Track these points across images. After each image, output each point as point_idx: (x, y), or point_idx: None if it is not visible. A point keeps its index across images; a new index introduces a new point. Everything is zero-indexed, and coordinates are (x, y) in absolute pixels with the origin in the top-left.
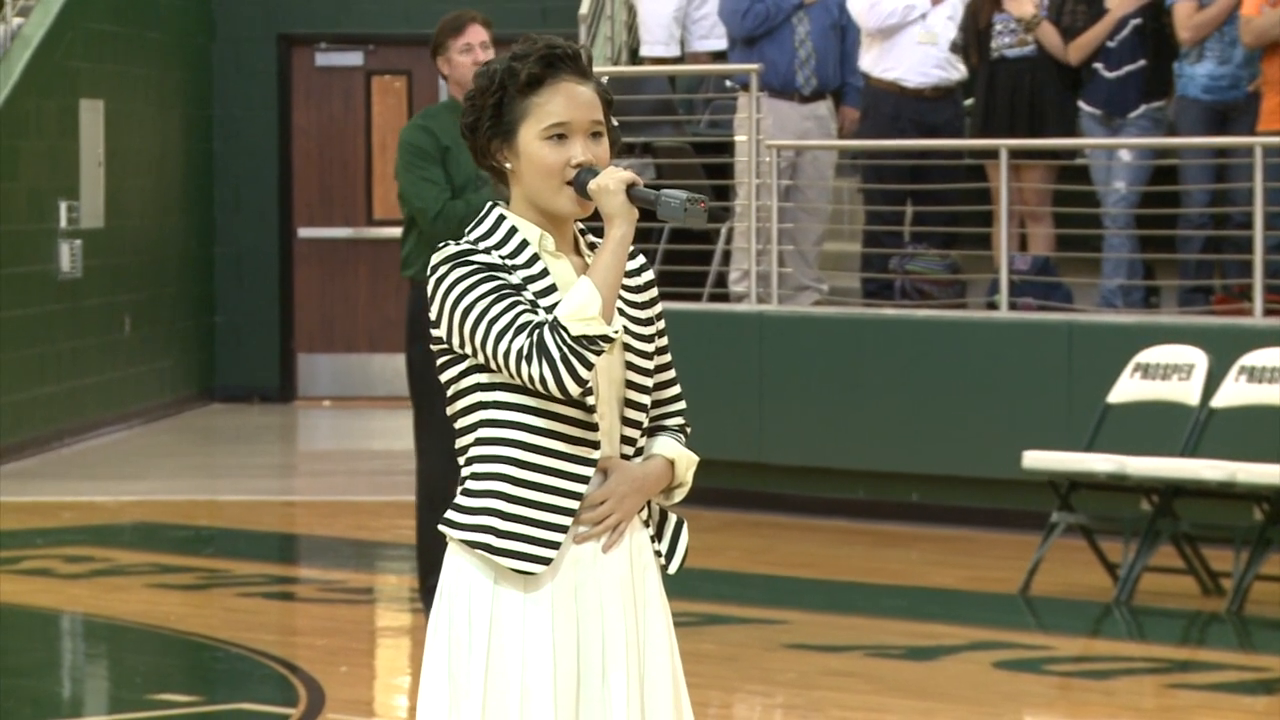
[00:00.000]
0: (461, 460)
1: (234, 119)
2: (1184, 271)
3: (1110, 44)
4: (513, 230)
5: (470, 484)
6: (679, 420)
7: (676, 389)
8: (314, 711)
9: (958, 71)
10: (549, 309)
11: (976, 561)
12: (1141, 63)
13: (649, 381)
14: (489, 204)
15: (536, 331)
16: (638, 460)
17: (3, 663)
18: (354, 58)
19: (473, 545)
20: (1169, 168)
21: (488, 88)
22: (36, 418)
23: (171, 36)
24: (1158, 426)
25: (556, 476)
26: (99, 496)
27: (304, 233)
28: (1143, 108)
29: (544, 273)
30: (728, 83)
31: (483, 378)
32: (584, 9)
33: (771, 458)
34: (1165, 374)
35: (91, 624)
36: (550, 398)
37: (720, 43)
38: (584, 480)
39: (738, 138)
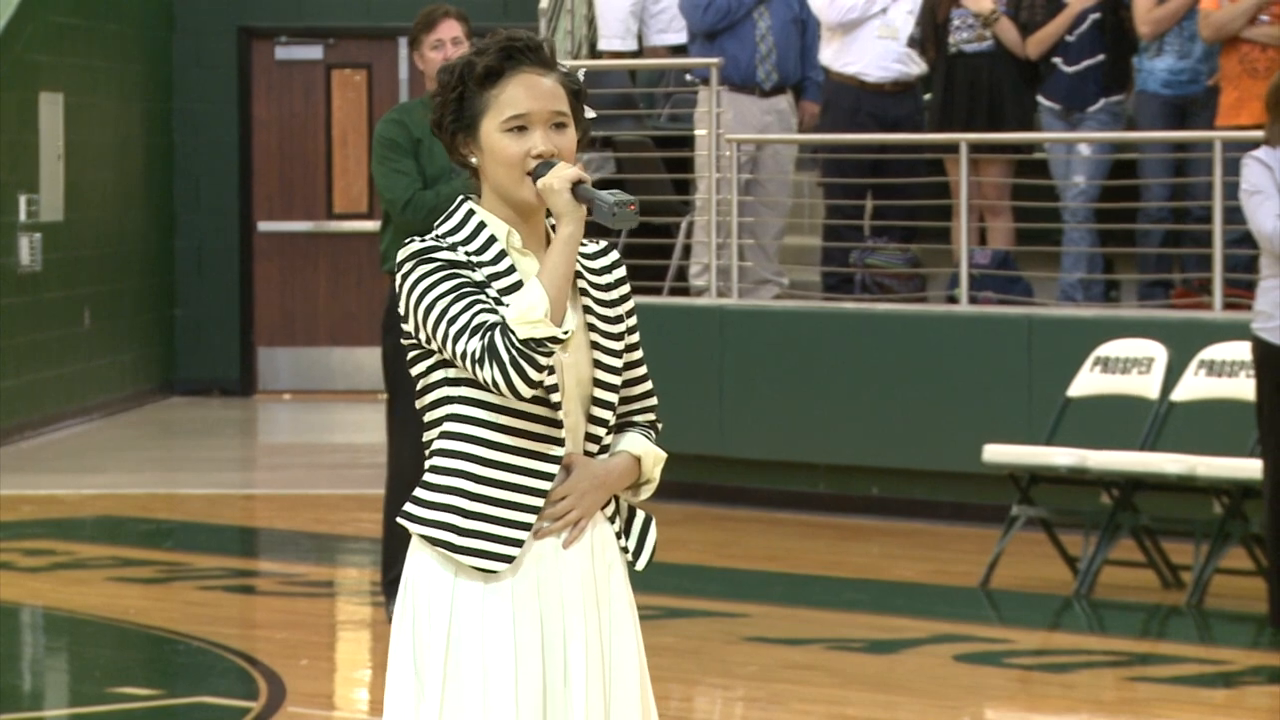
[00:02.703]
0: (427, 453)
1: (194, 112)
2: (1143, 265)
3: (1069, 38)
4: (481, 225)
5: (431, 478)
6: (649, 417)
7: (648, 385)
8: (274, 705)
9: (918, 66)
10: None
11: (937, 555)
12: (1100, 57)
13: (616, 379)
14: (460, 198)
15: (489, 334)
16: (603, 457)
17: None
18: (314, 51)
19: (433, 541)
20: (1128, 162)
21: (449, 83)
22: None
23: (132, 29)
24: (1118, 420)
25: (519, 474)
26: (59, 490)
27: (264, 226)
28: (1102, 102)
29: (511, 269)
30: (688, 77)
31: (450, 373)
32: (544, 3)
33: (732, 451)
34: (1125, 368)
35: (52, 617)
36: (516, 399)
37: (678, 36)
38: (548, 478)
39: (698, 132)
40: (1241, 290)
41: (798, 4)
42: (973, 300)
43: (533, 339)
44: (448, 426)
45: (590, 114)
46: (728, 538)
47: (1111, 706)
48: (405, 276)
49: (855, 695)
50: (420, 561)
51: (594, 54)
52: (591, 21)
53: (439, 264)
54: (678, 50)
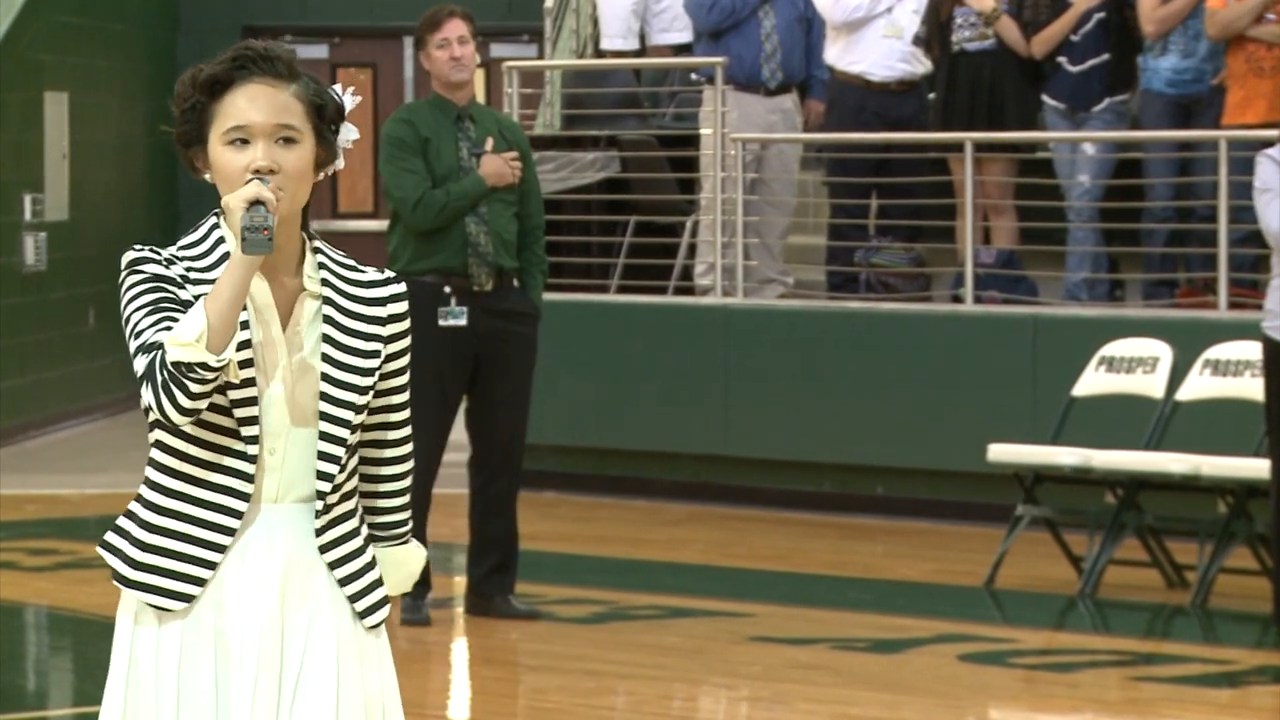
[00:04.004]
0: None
1: None
2: (1149, 265)
3: (1074, 37)
4: (220, 241)
5: (132, 505)
6: (397, 517)
7: (400, 466)
8: None
9: (923, 65)
10: (242, 325)
11: (942, 554)
12: (1105, 56)
13: (352, 416)
14: (211, 212)
15: (153, 354)
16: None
17: None
18: (319, 50)
19: (112, 570)
20: (1133, 161)
21: (183, 93)
22: (0, 410)
23: (136, 29)
24: (1122, 419)
25: (203, 508)
26: (63, 489)
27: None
28: (1106, 101)
29: None
30: (693, 76)
31: None
32: (549, 2)
33: (737, 450)
34: (1130, 367)
35: (55, 617)
36: (202, 424)
37: (681, 36)
38: (236, 515)
39: (703, 131)
40: (1246, 290)
41: (802, 3)
42: (977, 300)
43: (182, 362)
44: (151, 453)
45: (354, 134)
46: (732, 537)
47: (1116, 706)
48: (119, 286)
49: (860, 695)
50: (123, 596)
51: (599, 53)
52: (597, 21)
53: (144, 276)
54: (681, 49)
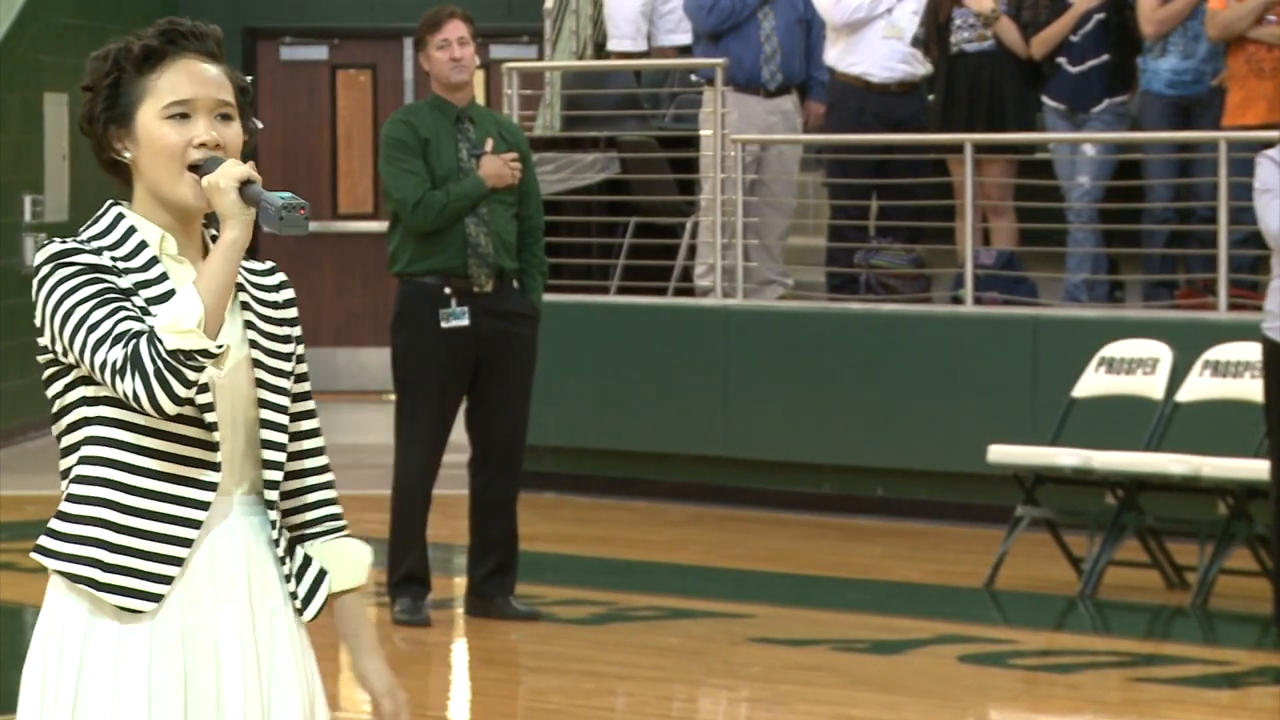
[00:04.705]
0: (64, 483)
1: None
2: (1148, 266)
3: (1073, 38)
4: (131, 229)
5: (70, 508)
6: (332, 510)
7: (323, 458)
8: None
9: (923, 66)
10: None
11: (942, 555)
12: (1105, 57)
13: (285, 405)
14: (108, 201)
15: (134, 343)
16: (355, 628)
17: None
18: (319, 51)
19: (74, 579)
20: (1133, 162)
21: (102, 69)
22: (0, 411)
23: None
24: (1122, 421)
25: (170, 503)
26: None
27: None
28: (1106, 102)
29: (163, 277)
30: (693, 77)
31: (88, 391)
32: (549, 3)
33: (736, 452)
34: (1130, 368)
35: None
36: (150, 414)
37: (687, 37)
38: (201, 508)
39: (703, 132)
40: (1246, 291)
41: (802, 4)
42: (977, 301)
43: (181, 350)
44: (88, 451)
45: (258, 124)
46: (732, 538)
47: (1116, 707)
48: (42, 282)
49: (860, 696)
50: (55, 603)
51: (599, 54)
52: (597, 22)
53: (80, 268)
54: (686, 51)
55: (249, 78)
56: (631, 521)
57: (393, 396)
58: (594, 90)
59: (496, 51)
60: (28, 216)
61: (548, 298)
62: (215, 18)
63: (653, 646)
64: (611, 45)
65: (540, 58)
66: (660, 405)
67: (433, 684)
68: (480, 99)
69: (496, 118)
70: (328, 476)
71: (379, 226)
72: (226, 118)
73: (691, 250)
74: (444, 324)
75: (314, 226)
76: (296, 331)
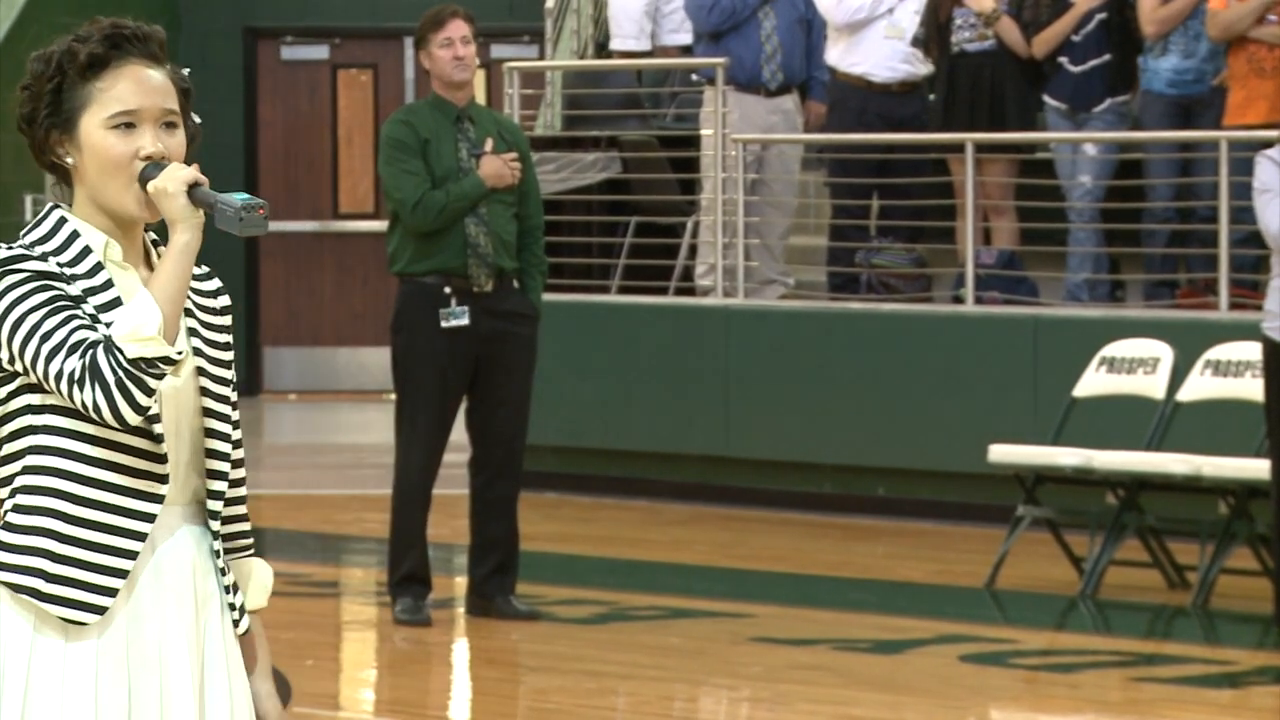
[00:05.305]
0: (4, 492)
1: (199, 112)
2: (1149, 265)
3: (1075, 38)
4: (74, 235)
5: (14, 518)
6: (244, 526)
7: (242, 470)
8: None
9: (924, 66)
10: (111, 325)
11: (943, 555)
12: (1106, 57)
13: (230, 415)
14: (50, 204)
15: (90, 352)
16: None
17: None
18: (320, 51)
19: (17, 589)
20: (1134, 162)
21: (44, 72)
22: None
23: None
24: (1123, 420)
25: (116, 514)
26: None
27: (269, 226)
28: (1107, 102)
29: (108, 284)
30: (694, 76)
31: (34, 399)
32: (550, 3)
33: (738, 451)
34: (1131, 368)
35: None
36: (109, 425)
37: (690, 36)
38: (149, 519)
39: (704, 132)
40: (1247, 290)
41: (803, 4)
42: (978, 300)
43: (143, 358)
44: (32, 460)
45: (197, 120)
46: (733, 538)
47: (1117, 707)
48: None
49: (861, 696)
50: None
51: (600, 54)
52: (599, 21)
53: (28, 274)
54: (688, 50)
55: (186, 70)
56: (632, 521)
57: (393, 396)
58: (595, 90)
59: (497, 51)
60: (29, 216)
61: (548, 297)
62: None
63: (654, 646)
64: (615, 44)
65: (541, 57)
66: (661, 405)
67: (433, 684)
68: (481, 98)
69: (496, 117)
70: (242, 491)
71: (380, 226)
72: (171, 125)
73: (692, 250)
74: (444, 324)
75: (314, 226)
76: (231, 339)
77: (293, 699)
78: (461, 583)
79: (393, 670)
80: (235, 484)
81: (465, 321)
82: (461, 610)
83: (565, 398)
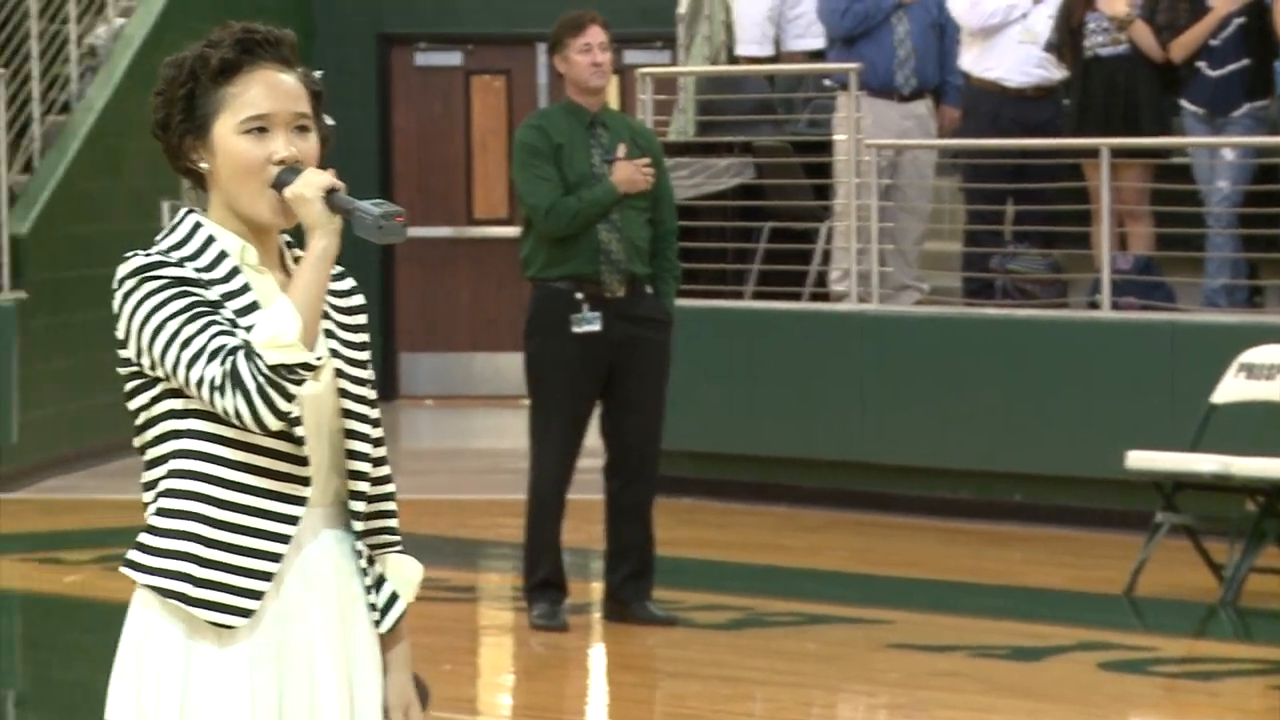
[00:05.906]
0: (149, 496)
1: (334, 118)
2: None
3: (1213, 42)
4: (210, 240)
5: (159, 522)
6: (391, 522)
7: (386, 468)
8: None
9: (1059, 71)
10: (249, 329)
11: (1081, 561)
12: (1245, 61)
13: (371, 416)
14: (184, 210)
15: (231, 359)
16: (396, 653)
17: (79, 655)
18: (453, 57)
19: (165, 594)
20: (1273, 167)
21: (177, 78)
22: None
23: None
24: (1262, 427)
25: (260, 517)
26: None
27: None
28: (1246, 106)
29: (245, 289)
30: (826, 82)
31: (176, 404)
32: (682, 8)
33: (873, 457)
34: (1270, 374)
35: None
36: (251, 430)
37: (816, 42)
38: (292, 522)
39: (837, 137)
40: None
41: (936, 8)
42: (1115, 306)
43: (283, 365)
44: (176, 464)
45: (329, 121)
46: (869, 544)
47: (1258, 715)
48: (127, 296)
49: (1000, 703)
50: (146, 619)
51: (732, 60)
52: (730, 27)
53: (167, 281)
54: (815, 55)
55: (318, 73)
56: (769, 526)
57: (528, 401)
58: (728, 95)
59: (630, 57)
60: (165, 222)
61: (682, 303)
62: (351, 24)
63: (791, 652)
64: (739, 50)
65: (674, 63)
66: (797, 410)
67: (570, 689)
68: (614, 104)
69: (629, 123)
70: (390, 488)
71: (514, 232)
72: (303, 129)
73: (826, 255)
74: (575, 329)
75: (449, 232)
76: (368, 339)
77: (430, 703)
78: (598, 588)
79: (529, 675)
80: (379, 481)
81: (597, 327)
82: (598, 615)
83: (700, 403)
